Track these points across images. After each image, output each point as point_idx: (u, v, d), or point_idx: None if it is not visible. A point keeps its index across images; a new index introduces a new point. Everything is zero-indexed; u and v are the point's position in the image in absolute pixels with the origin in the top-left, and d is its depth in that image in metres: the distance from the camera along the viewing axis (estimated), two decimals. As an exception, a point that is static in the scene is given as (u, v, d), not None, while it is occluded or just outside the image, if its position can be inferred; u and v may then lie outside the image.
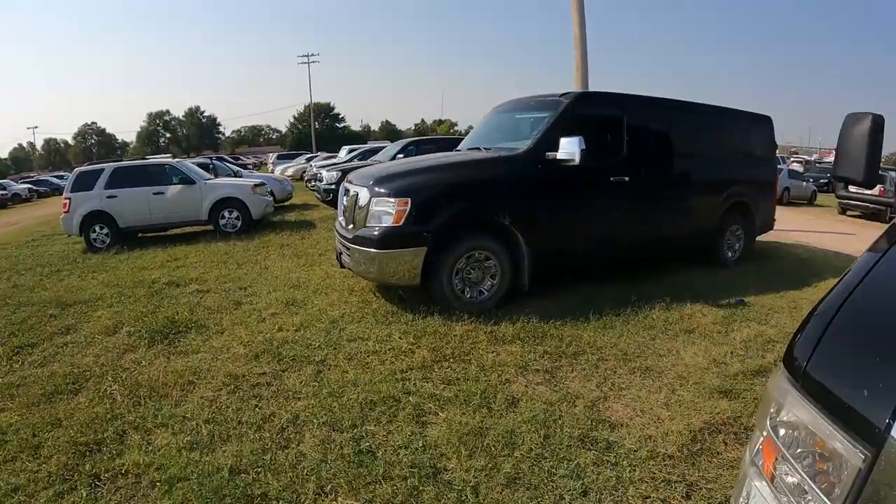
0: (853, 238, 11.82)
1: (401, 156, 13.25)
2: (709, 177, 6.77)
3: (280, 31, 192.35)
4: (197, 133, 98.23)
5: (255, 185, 11.88)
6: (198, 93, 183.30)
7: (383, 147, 18.17)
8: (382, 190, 4.71)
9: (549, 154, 4.96)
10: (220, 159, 37.58)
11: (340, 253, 5.26)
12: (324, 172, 14.28)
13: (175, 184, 11.04)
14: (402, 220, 4.51)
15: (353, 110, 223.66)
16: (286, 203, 16.43)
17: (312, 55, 64.58)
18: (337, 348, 4.25)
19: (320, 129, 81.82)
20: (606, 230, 5.73)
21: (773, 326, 4.90)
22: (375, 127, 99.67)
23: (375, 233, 4.63)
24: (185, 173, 11.28)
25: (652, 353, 4.25)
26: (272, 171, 29.53)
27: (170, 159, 13.37)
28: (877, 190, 16.55)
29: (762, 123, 7.62)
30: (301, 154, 38.97)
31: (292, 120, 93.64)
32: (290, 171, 28.31)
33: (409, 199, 4.52)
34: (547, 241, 5.17)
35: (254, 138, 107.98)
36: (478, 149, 5.72)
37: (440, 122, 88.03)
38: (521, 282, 5.11)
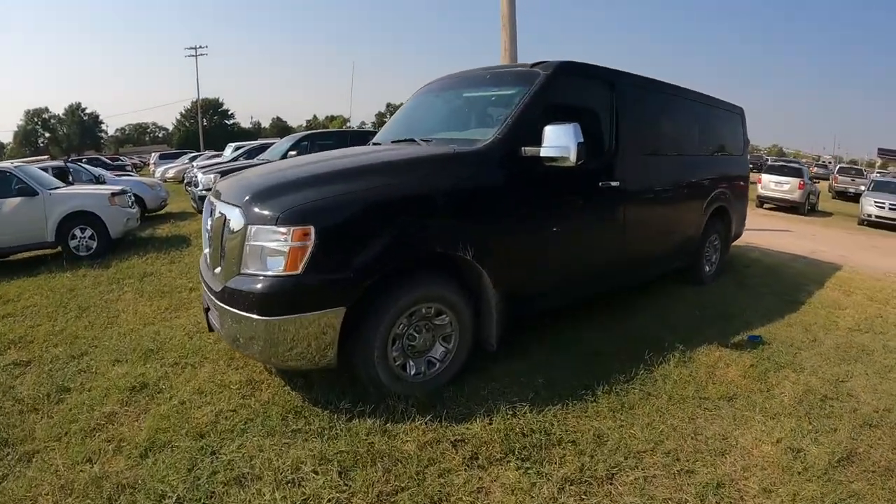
0: (791, 235, 11.35)
1: (293, 154, 11.06)
2: (697, 178, 5.42)
3: (167, 19, 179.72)
4: (78, 132, 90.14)
5: (114, 195, 9.26)
6: (79, 88, 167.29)
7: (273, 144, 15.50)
8: (266, 212, 2.72)
9: (527, 150, 3.33)
10: (93, 160, 33.66)
11: (208, 308, 3.28)
12: (199, 175, 11.79)
13: (11, 196, 8.24)
14: (302, 263, 2.60)
15: (243, 106, 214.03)
16: (160, 212, 13.65)
17: (200, 48, 59.20)
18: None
19: (209, 127, 78.12)
20: (598, 254, 4.17)
21: (812, 373, 3.93)
22: (266, 124, 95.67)
23: (257, 286, 2.67)
24: (25, 182, 8.48)
25: (706, 451, 2.84)
26: (154, 173, 25.96)
27: (5, 164, 10.32)
28: (797, 183, 16.50)
29: (736, 114, 6.42)
30: (185, 153, 35.02)
31: (179, 117, 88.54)
32: (171, 173, 25.09)
33: (311, 228, 2.60)
34: (524, 278, 3.51)
35: (139, 137, 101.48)
36: (412, 141, 3.86)
37: (333, 117, 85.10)
38: (488, 338, 3.40)
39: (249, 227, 2.69)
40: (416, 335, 3.07)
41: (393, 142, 4.05)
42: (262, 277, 2.66)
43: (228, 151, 20.62)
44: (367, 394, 3.06)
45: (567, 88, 3.79)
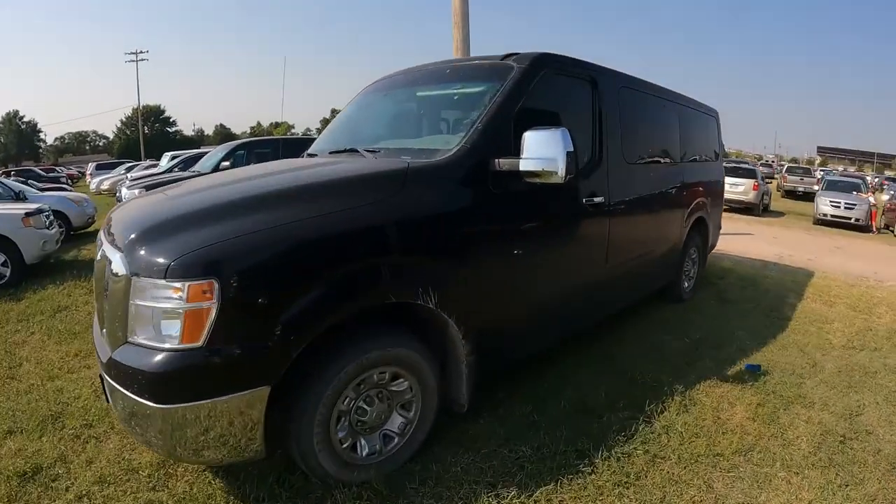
0: (754, 238, 11.17)
1: (226, 164, 10.11)
2: (679, 188, 4.87)
3: (110, 21, 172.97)
4: (15, 141, 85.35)
5: (28, 215, 8.16)
6: (14, 94, 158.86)
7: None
8: (154, 259, 1.95)
9: (503, 162, 2.64)
10: (25, 172, 31.43)
11: (104, 377, 2.44)
12: (123, 190, 10.78)
13: None
14: (205, 331, 1.84)
15: (186, 114, 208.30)
16: (88, 229, 12.42)
17: (141, 52, 56.73)
18: None
19: (150, 135, 75.48)
20: (583, 284, 3.54)
21: (822, 407, 3.50)
22: (210, 131, 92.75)
23: (147, 362, 1.90)
24: (-77, 204, 7.31)
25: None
26: (90, 183, 24.24)
27: None
28: (751, 184, 16.51)
29: (712, 117, 5.98)
30: (123, 163, 33.11)
31: (119, 125, 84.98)
32: (106, 185, 23.49)
33: (214, 282, 1.84)
34: (500, 323, 2.84)
35: (79, 146, 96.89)
36: (354, 151, 3.07)
37: (277, 124, 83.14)
38: (457, 398, 2.72)
39: (134, 279, 1.94)
40: (368, 408, 2.37)
41: (332, 153, 3.26)
42: (153, 350, 1.91)
43: (164, 161, 19.36)
44: (311, 484, 2.38)
45: (546, 86, 3.08)
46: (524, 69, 2.96)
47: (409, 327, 2.45)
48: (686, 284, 5.48)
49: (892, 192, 20.15)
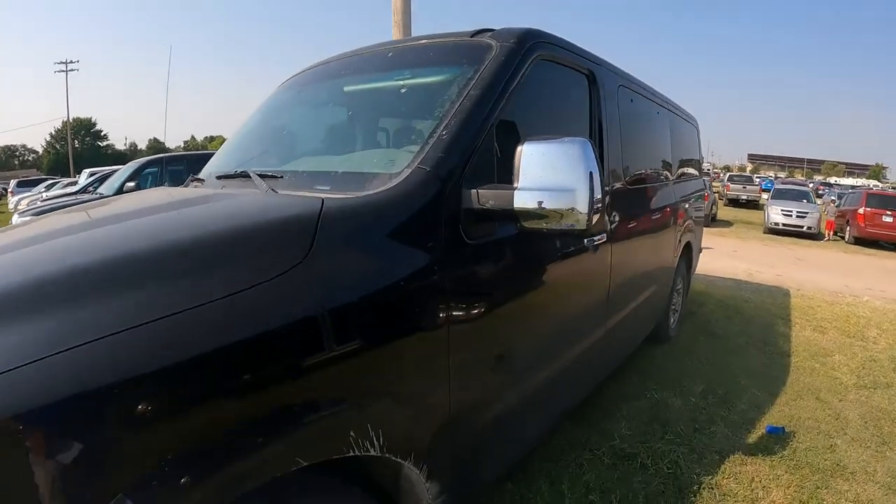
0: (714, 252, 10.78)
1: (131, 185, 8.89)
2: (673, 210, 4.06)
3: (36, 30, 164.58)
4: None
5: None
6: None
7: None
8: None
9: (483, 195, 1.61)
10: None
11: None
12: (15, 217, 9.58)
13: None
14: None
15: (119, 127, 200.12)
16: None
17: (71, 62, 53.62)
18: None
19: (81, 149, 71.66)
20: (582, 352, 2.59)
21: (865, 477, 2.89)
22: (143, 145, 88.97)
23: None
24: None
25: None
26: (10, 202, 22.00)
27: None
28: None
29: (694, 126, 5.34)
30: (44, 180, 30.53)
31: (49, 139, 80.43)
32: (24, 203, 21.40)
33: None
34: (484, 438, 1.87)
35: (7, 160, 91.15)
36: (245, 177, 1.95)
37: (212, 138, 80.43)
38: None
39: None
40: None
41: (220, 177, 2.17)
42: None
43: (83, 178, 17.69)
44: None
45: (537, 77, 2.07)
46: (510, 49, 1.94)
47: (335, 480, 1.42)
48: (672, 320, 4.79)
49: (832, 198, 20.57)
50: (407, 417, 1.47)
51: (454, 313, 1.58)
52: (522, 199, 1.55)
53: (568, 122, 2.48)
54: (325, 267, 1.29)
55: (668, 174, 4.02)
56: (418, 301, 1.48)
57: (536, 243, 2.05)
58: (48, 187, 23.06)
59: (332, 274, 1.30)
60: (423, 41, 2.25)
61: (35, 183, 29.14)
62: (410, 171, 1.60)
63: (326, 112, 2.48)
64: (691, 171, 4.94)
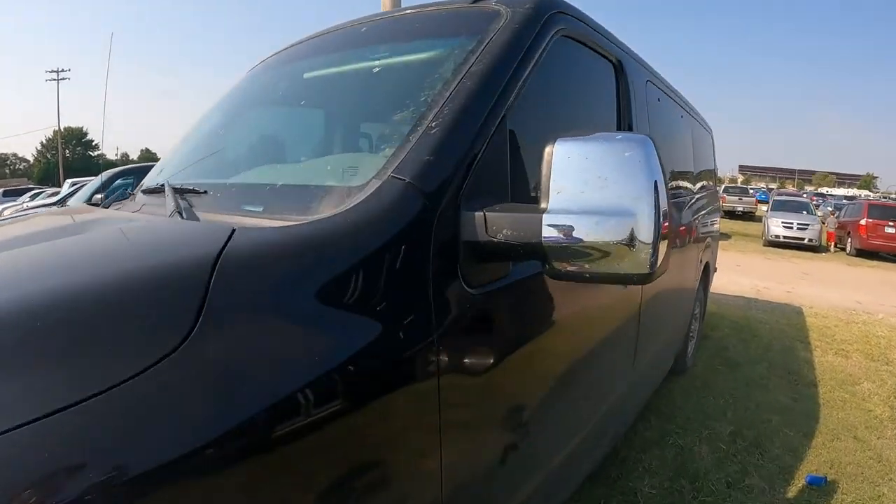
0: (718, 266, 10.39)
1: (99, 197, 8.40)
2: (696, 228, 3.61)
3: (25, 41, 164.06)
4: None
5: None
6: None
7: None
8: None
9: (494, 221, 1.09)
10: None
11: None
12: None
13: None
14: None
15: (111, 136, 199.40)
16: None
17: (62, 71, 53.03)
18: None
19: (72, 158, 71.70)
20: (608, 408, 2.13)
21: None
22: (135, 155, 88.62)
23: None
24: None
25: None
26: None
27: None
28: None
29: (710, 132, 4.97)
30: (30, 189, 29.91)
31: (40, 147, 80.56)
32: (8, 213, 20.91)
33: None
34: None
35: None
36: (161, 191, 1.47)
37: None
38: None
39: None
40: None
41: (145, 191, 1.69)
42: None
43: (65, 188, 17.17)
44: None
45: (557, 56, 1.57)
46: (525, 16, 1.44)
47: None
48: (689, 349, 4.40)
49: (830, 209, 20.39)
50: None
51: (447, 424, 1.08)
52: (555, 228, 1.01)
53: (591, 121, 1.96)
54: (212, 361, 0.76)
55: (691, 186, 3.64)
56: (384, 412, 0.96)
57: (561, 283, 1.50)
58: (33, 197, 22.54)
59: (226, 374, 0.77)
60: (409, 11, 1.77)
61: (21, 192, 28.56)
62: (380, 182, 1.08)
63: (281, 106, 1.97)
64: (709, 182, 4.57)
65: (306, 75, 1.87)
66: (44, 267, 1.01)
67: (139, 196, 1.73)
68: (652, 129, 2.37)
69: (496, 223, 1.09)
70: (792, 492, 2.82)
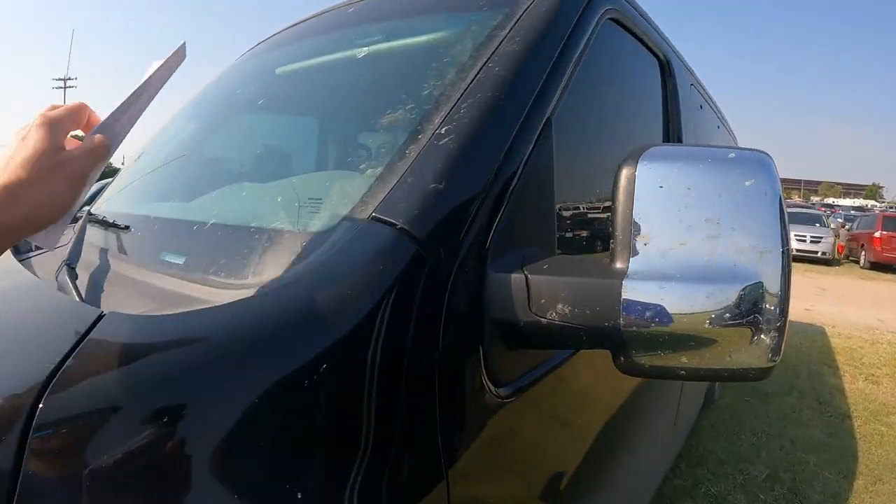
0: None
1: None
2: None
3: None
4: None
5: None
6: None
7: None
8: None
9: (542, 291, 0.73)
10: None
11: None
12: None
13: None
14: None
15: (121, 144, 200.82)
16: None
17: (70, 79, 53.17)
18: None
19: None
20: (650, 471, 1.85)
21: None
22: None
23: None
24: None
25: None
26: None
27: None
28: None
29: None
30: None
31: None
32: None
33: None
34: None
35: None
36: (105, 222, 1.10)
37: None
38: None
39: None
40: None
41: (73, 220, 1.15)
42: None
43: None
44: None
45: (605, 45, 1.17)
46: None
47: None
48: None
49: (839, 221, 20.12)
50: None
51: None
52: (641, 303, 0.66)
53: (639, 132, 1.58)
54: None
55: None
56: None
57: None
58: None
59: None
60: None
61: None
62: (355, 226, 0.71)
63: (245, 111, 1.50)
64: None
65: (279, 71, 1.47)
66: None
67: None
68: (698, 142, 2.06)
69: (547, 293, 0.72)
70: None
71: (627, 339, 0.67)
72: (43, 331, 0.71)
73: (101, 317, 0.61)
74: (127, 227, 1.02)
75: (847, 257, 16.77)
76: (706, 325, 0.64)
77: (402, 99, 0.94)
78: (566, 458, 1.07)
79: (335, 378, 0.59)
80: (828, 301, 9.39)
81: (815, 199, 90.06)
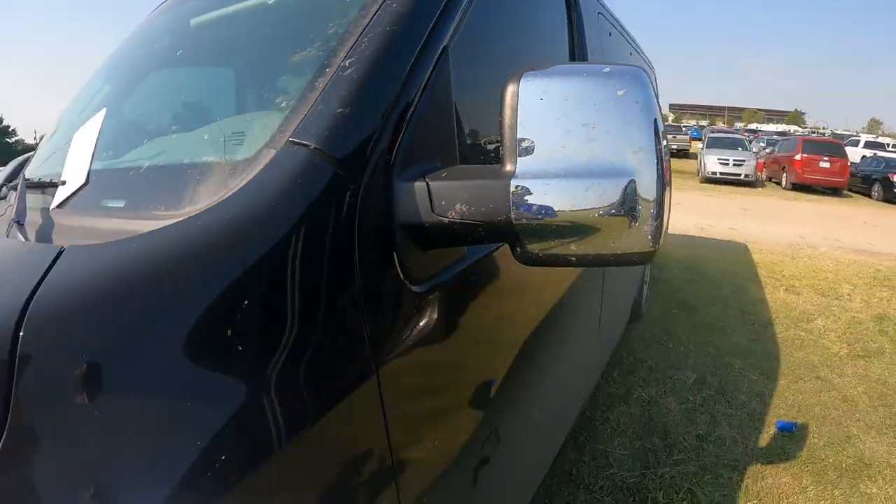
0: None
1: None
2: None
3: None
4: None
5: None
6: None
7: None
8: None
9: (443, 193, 0.84)
10: None
11: None
12: None
13: None
14: None
15: (31, 119, 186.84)
16: None
17: None
18: None
19: None
20: (570, 384, 1.94)
21: (893, 474, 2.63)
22: None
23: None
24: None
25: None
26: None
27: None
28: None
29: (653, 72, 4.81)
30: None
31: None
32: None
33: None
34: None
35: None
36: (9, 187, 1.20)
37: None
38: None
39: None
40: None
41: (7, 186, 1.31)
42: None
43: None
44: None
45: None
46: None
47: None
48: (644, 294, 4.35)
49: (761, 145, 21.24)
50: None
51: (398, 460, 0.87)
52: (529, 199, 0.78)
53: (543, 58, 1.69)
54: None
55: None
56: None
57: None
58: None
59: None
60: None
61: None
62: (274, 151, 0.83)
63: (160, 64, 1.56)
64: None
65: (193, 22, 1.52)
66: None
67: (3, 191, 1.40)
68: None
69: (446, 196, 0.85)
70: (764, 440, 2.81)
71: (520, 231, 0.79)
72: (6, 272, 0.78)
73: (59, 252, 0.71)
74: (64, 183, 1.07)
75: (770, 179, 17.83)
76: (590, 217, 0.76)
77: (310, 38, 1.05)
78: (492, 351, 1.20)
79: (265, 287, 0.71)
80: (750, 220, 10.02)
81: (739, 125, 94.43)
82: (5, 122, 79.69)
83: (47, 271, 0.66)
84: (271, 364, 0.69)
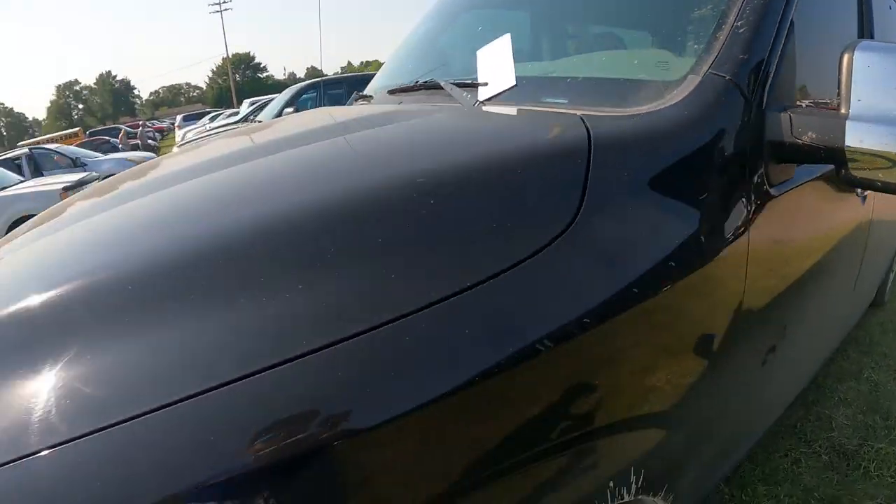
0: None
1: (290, 110, 9.02)
2: None
3: None
4: (111, 100, 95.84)
5: (67, 188, 7.94)
6: (105, 55, 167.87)
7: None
8: None
9: (799, 124, 1.21)
10: (110, 131, 32.40)
11: None
12: (175, 150, 10.67)
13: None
14: None
15: (277, 58, 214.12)
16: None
17: (224, 2, 58.25)
18: None
19: (242, 82, 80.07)
20: (828, 332, 2.41)
21: None
22: (301, 73, 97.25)
23: None
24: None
25: None
26: (178, 136, 23.42)
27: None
28: None
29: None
30: (208, 113, 33.00)
31: (211, 74, 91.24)
32: (191, 135, 23.35)
33: None
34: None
35: (174, 98, 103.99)
36: (431, 88, 1.64)
37: (368, 63, 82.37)
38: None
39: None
40: None
41: (393, 91, 1.79)
42: None
43: (244, 108, 19.06)
44: None
45: None
46: None
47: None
48: (889, 281, 4.15)
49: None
50: (677, 443, 1.14)
51: (748, 302, 1.21)
52: (858, 135, 1.10)
53: (838, 26, 1.83)
54: (595, 237, 0.90)
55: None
56: (708, 286, 1.10)
57: (833, 191, 1.65)
58: (212, 119, 24.67)
59: (604, 249, 0.92)
60: None
61: (199, 116, 31.66)
62: (699, 78, 1.19)
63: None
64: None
65: None
66: (393, 153, 1.20)
67: (382, 95, 1.85)
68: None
69: (801, 125, 1.19)
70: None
71: (848, 157, 1.13)
72: (541, 124, 1.23)
73: (583, 120, 1.11)
74: (486, 84, 1.48)
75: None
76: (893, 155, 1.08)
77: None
78: (803, 257, 1.53)
79: (702, 162, 1.12)
80: None
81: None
82: (256, 60, 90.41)
83: (588, 131, 1.05)
84: (693, 213, 1.06)
